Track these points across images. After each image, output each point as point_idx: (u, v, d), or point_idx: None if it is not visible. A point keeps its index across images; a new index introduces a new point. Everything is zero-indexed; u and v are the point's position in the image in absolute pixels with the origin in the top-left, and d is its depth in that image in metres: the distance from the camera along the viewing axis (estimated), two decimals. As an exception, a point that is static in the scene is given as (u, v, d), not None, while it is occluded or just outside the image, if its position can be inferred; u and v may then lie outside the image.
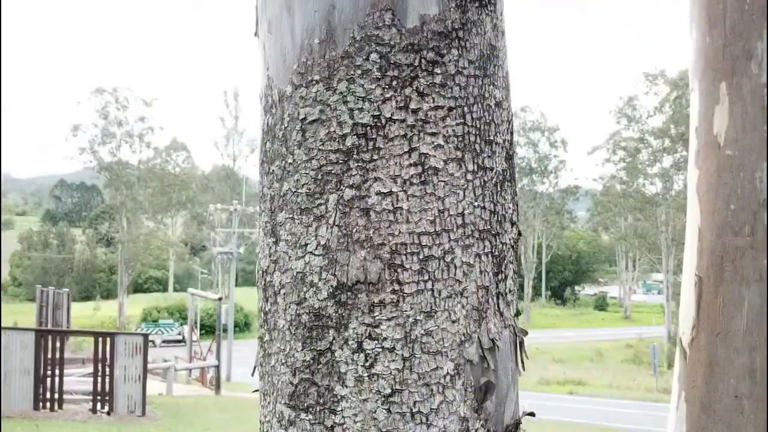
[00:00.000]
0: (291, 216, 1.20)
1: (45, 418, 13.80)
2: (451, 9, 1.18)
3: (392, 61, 1.15)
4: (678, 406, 2.28)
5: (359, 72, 1.15)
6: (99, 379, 14.48)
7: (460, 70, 1.18)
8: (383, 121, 1.15)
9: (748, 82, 2.16)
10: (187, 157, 64.55)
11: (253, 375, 1.33)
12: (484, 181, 1.21)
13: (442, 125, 1.17)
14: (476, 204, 1.19)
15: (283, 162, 1.22)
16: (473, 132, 1.20)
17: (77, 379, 18.38)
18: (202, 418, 16.02)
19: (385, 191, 1.14)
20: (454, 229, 1.17)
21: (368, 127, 1.15)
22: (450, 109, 1.17)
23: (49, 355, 14.37)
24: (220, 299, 28.37)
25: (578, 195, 72.28)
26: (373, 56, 1.15)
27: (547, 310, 73.93)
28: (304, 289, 1.17)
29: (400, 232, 1.14)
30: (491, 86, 1.23)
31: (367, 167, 1.15)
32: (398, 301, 1.13)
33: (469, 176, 1.19)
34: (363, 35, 1.16)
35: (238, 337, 50.67)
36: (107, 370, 14.51)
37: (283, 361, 1.19)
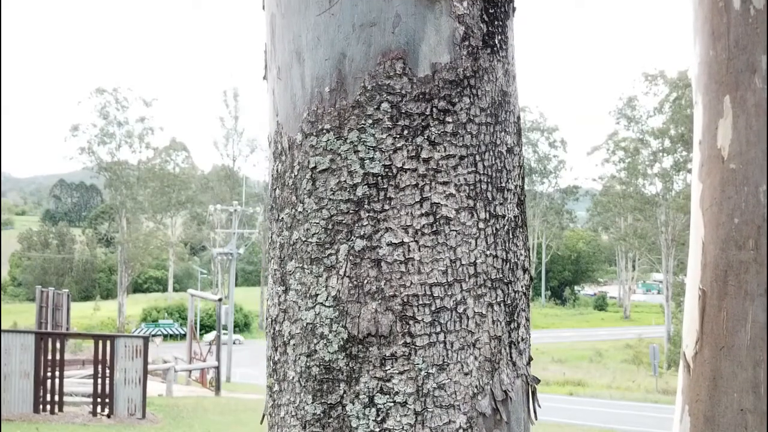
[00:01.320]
0: (301, 265, 1.18)
1: (45, 420, 13.79)
2: (463, 57, 1.16)
3: (403, 111, 1.14)
4: (682, 419, 2.27)
5: (370, 121, 1.14)
6: (99, 381, 14.47)
7: (472, 118, 1.17)
8: (394, 170, 1.14)
9: (752, 96, 2.14)
10: (186, 157, 64.58)
11: (261, 423, 1.31)
12: (496, 228, 1.19)
13: (453, 174, 1.15)
14: (488, 253, 1.18)
15: (293, 210, 1.20)
16: (485, 180, 1.18)
17: (77, 381, 18.38)
18: (202, 421, 15.99)
19: (396, 242, 1.13)
20: (467, 279, 1.15)
21: (379, 177, 1.14)
22: (461, 157, 1.16)
23: (49, 357, 14.35)
24: (220, 300, 28.35)
25: (578, 195, 72.35)
26: (384, 106, 1.14)
27: (546, 310, 73.94)
28: (315, 340, 1.15)
29: (411, 283, 1.12)
30: (503, 133, 1.21)
31: (378, 217, 1.13)
32: (410, 354, 1.12)
33: (481, 225, 1.17)
34: (374, 84, 1.14)
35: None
36: (107, 372, 14.49)
37: (293, 413, 1.18)
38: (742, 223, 2.10)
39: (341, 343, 1.13)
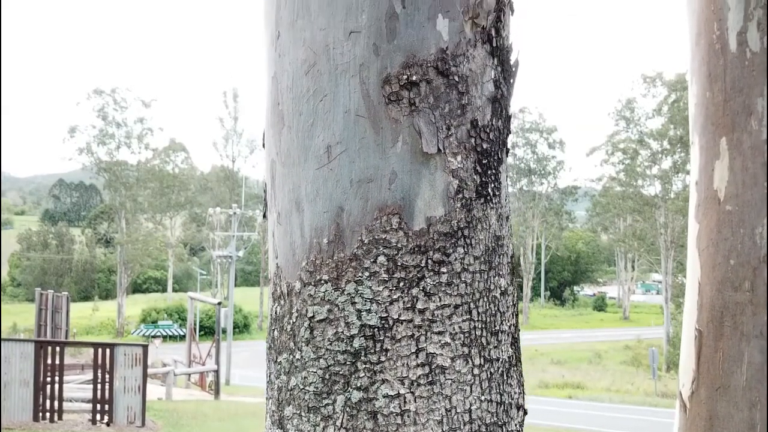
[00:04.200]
0: (298, 412, 1.21)
1: (45, 429, 13.82)
2: (457, 209, 1.19)
3: (399, 263, 1.16)
4: (678, 460, 2.29)
5: (367, 274, 1.16)
6: (98, 389, 14.50)
7: (466, 267, 1.19)
8: (390, 322, 1.16)
9: (749, 138, 2.16)
10: (186, 157, 64.52)
11: None
12: (490, 373, 1.22)
13: (448, 323, 1.18)
14: (483, 398, 1.20)
15: (291, 356, 1.23)
16: (479, 326, 1.20)
17: (77, 386, 18.40)
18: (202, 428, 16.03)
19: (392, 393, 1.15)
20: (462, 427, 1.17)
21: (376, 329, 1.16)
22: (456, 306, 1.18)
23: (49, 361, 14.37)
24: (219, 304, 28.37)
25: (577, 195, 72.26)
26: (381, 259, 1.16)
27: (545, 310, 73.95)
28: None
29: None
30: (496, 277, 1.24)
31: (375, 369, 1.16)
32: None
33: (476, 370, 1.20)
34: (371, 238, 1.17)
35: (237, 338, 50.73)
36: (107, 379, 14.52)
37: None
38: (738, 264, 2.11)
39: (339, 496, 1.15)
